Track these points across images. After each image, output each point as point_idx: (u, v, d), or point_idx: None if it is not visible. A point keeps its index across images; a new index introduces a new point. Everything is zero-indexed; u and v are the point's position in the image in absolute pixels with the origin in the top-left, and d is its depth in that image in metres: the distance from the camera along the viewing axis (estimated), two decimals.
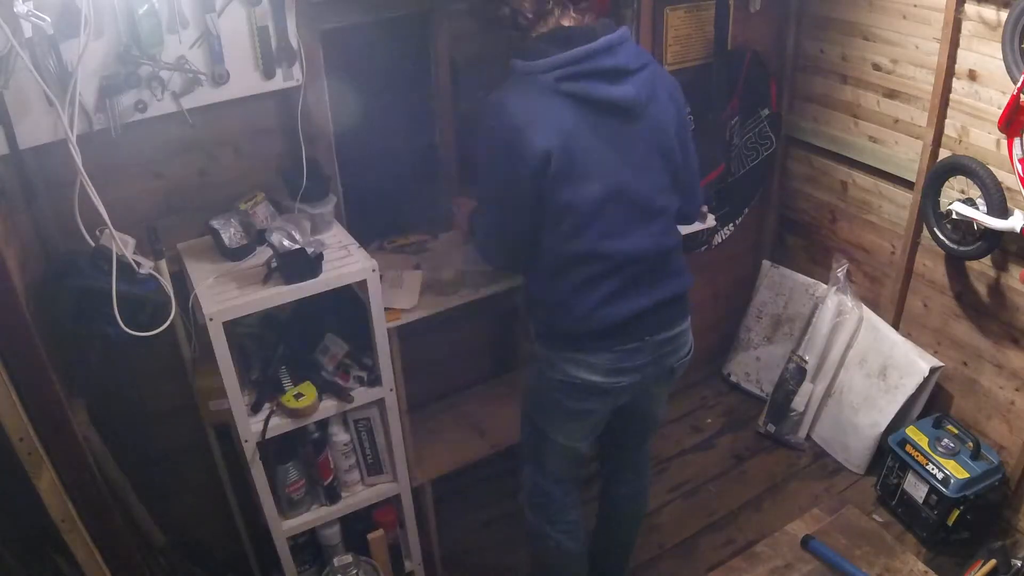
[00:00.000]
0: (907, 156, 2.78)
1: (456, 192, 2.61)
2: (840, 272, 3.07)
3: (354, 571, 2.24)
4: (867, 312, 3.05)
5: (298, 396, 2.03)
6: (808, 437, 3.19)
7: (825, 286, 3.15)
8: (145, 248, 1.94)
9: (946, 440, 2.66)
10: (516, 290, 2.31)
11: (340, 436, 2.18)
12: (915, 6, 2.60)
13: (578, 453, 2.16)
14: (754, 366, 3.45)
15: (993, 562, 2.48)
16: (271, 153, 2.20)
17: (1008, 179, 2.40)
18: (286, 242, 1.89)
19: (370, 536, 2.34)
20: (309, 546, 2.36)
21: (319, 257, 1.93)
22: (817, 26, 3.00)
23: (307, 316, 2.17)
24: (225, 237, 2.03)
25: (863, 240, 3.10)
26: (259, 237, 2.02)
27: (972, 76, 2.48)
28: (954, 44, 2.48)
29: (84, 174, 1.67)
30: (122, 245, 1.80)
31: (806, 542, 2.61)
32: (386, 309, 2.11)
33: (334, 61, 2.23)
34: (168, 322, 1.86)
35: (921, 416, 2.89)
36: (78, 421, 1.82)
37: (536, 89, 1.74)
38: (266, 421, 2.01)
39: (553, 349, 1.96)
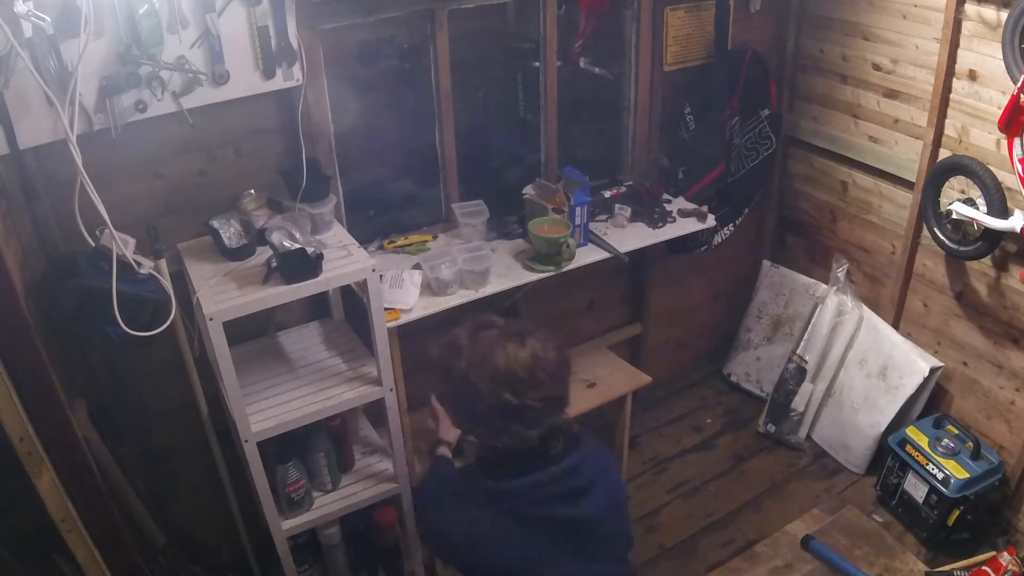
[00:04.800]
0: (907, 156, 2.78)
1: (456, 193, 2.62)
2: (840, 272, 3.06)
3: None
4: (867, 312, 3.05)
5: None
6: (808, 437, 3.19)
7: (825, 286, 3.15)
8: (145, 248, 1.94)
9: (946, 440, 2.66)
10: (516, 289, 2.30)
11: None
12: (915, 6, 2.60)
13: None
14: (754, 366, 3.45)
15: (993, 553, 2.48)
16: (271, 153, 2.20)
17: (1008, 179, 2.40)
18: (286, 242, 1.89)
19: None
20: (309, 546, 2.36)
21: (319, 257, 1.93)
22: (817, 26, 3.00)
23: None
24: (225, 237, 2.03)
25: (863, 240, 3.10)
26: (259, 237, 2.02)
27: (972, 76, 2.48)
28: (954, 44, 2.48)
29: (84, 174, 1.68)
30: (122, 245, 1.80)
31: (806, 542, 2.61)
32: (386, 309, 2.11)
33: (334, 61, 2.23)
34: (168, 322, 1.86)
35: (921, 416, 2.88)
36: (78, 421, 1.82)
37: None
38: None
39: None
